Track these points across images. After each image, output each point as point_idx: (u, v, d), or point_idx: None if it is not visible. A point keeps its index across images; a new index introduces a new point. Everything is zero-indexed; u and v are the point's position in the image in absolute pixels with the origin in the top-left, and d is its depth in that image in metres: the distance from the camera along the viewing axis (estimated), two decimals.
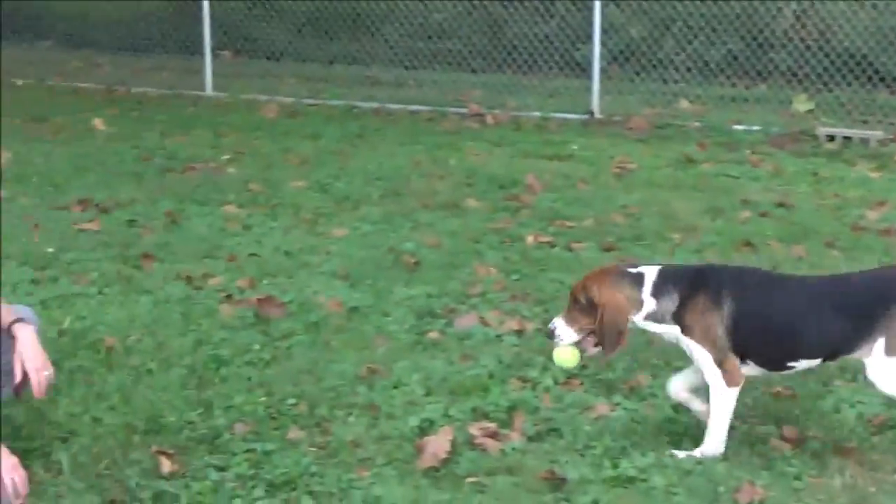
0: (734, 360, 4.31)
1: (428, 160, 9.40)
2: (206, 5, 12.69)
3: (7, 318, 4.40)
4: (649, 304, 4.33)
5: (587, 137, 10.51)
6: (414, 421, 4.76)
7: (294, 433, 4.72)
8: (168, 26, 13.81)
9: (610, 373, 5.19)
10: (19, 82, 13.46)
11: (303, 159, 9.48)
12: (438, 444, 4.58)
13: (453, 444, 4.58)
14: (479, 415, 4.87)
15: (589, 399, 4.95)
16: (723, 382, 4.31)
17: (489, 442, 4.63)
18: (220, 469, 4.41)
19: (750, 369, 4.39)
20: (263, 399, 5.00)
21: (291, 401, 4.99)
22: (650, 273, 4.37)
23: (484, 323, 5.88)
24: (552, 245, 7.21)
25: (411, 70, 12.56)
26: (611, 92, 11.79)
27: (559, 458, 4.47)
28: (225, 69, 13.04)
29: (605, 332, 4.32)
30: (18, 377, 4.25)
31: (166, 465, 4.38)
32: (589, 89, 11.47)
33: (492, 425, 4.75)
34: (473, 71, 12.42)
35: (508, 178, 8.74)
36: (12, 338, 4.36)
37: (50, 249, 7.02)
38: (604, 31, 11.42)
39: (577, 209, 7.97)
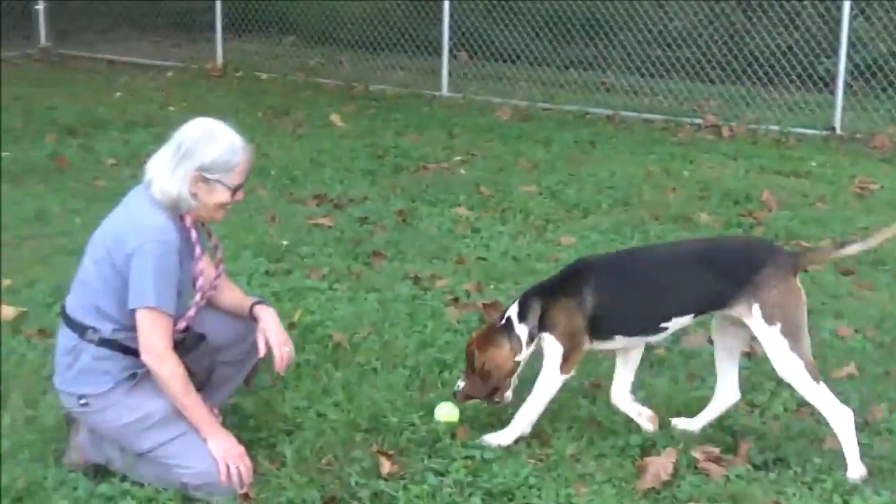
0: (582, 348, 4.59)
1: (660, 170, 9.26)
2: (446, 6, 12.77)
3: (246, 302, 4.57)
4: (522, 332, 4.62)
5: (827, 154, 10.17)
6: (636, 440, 4.70)
7: (513, 443, 4.71)
8: (407, 26, 13.97)
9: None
10: (263, 76, 13.84)
11: (534, 164, 9.46)
12: (661, 465, 4.50)
13: (676, 466, 4.50)
14: (703, 438, 4.77)
15: (820, 430, 4.76)
16: (559, 370, 4.58)
17: (713, 467, 4.53)
18: (439, 474, 4.43)
19: (618, 342, 4.66)
20: (484, 406, 5.00)
21: (512, 410, 4.98)
22: (513, 309, 4.65)
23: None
24: None
25: (647, 77, 12.39)
26: (854, 108, 11.40)
27: (786, 489, 4.34)
28: (460, 70, 13.13)
29: (485, 389, 4.72)
30: (262, 352, 4.45)
31: (386, 466, 4.43)
32: (831, 104, 11.10)
33: (716, 450, 4.64)
34: (710, 81, 12.16)
35: (743, 192, 8.53)
36: (254, 319, 4.53)
37: (285, 242, 7.19)
38: (850, 45, 11.04)
39: (814, 229, 7.72)
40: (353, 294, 6.38)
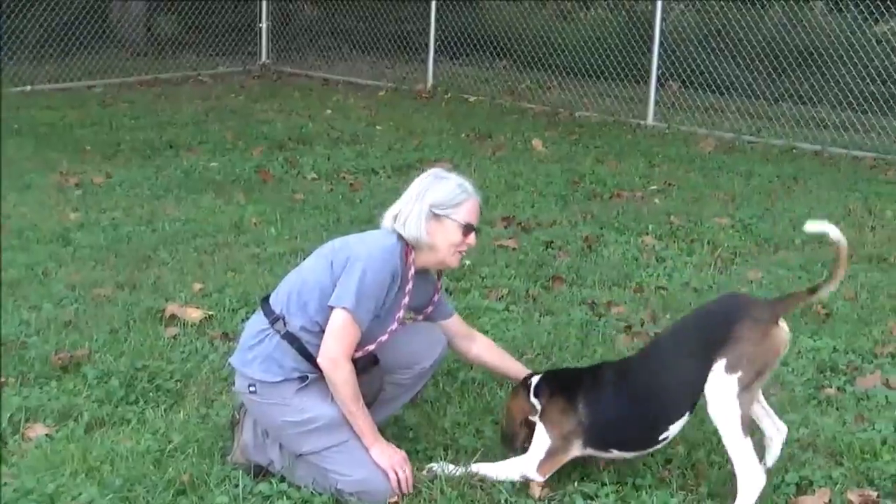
0: (568, 456, 4.46)
1: (862, 209, 8.99)
2: (657, 35, 12.68)
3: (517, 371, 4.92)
4: (536, 404, 4.57)
5: None
6: (792, 477, 4.61)
7: (666, 472, 4.67)
8: (618, 53, 13.95)
9: None
10: (471, 99, 14.01)
11: (731, 196, 9.31)
12: None
13: None
14: (863, 480, 4.65)
15: None
16: (534, 467, 4.46)
17: None
18: (588, 497, 4.45)
19: (613, 455, 4.54)
20: None
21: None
22: (535, 380, 4.64)
23: (888, 385, 5.58)
24: None
25: (859, 114, 12.04)
26: None
27: None
28: (668, 100, 13.03)
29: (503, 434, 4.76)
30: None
31: (536, 488, 4.45)
32: None
33: (873, 494, 4.52)
34: None
35: None
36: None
37: (468, 262, 7.26)
38: None
39: None
40: (527, 316, 6.42)
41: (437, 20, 14.88)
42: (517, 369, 4.89)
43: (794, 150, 11.34)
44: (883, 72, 12.39)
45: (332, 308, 4.34)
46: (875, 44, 12.56)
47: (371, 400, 4.52)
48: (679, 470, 4.69)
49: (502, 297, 6.71)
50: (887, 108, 11.87)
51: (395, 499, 4.39)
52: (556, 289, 6.91)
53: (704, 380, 4.24)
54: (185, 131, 11.48)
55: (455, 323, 4.86)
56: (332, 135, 11.46)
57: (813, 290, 4.35)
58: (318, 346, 4.37)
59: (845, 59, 12.61)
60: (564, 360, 5.74)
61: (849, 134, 11.72)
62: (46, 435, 4.87)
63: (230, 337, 5.94)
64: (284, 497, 4.40)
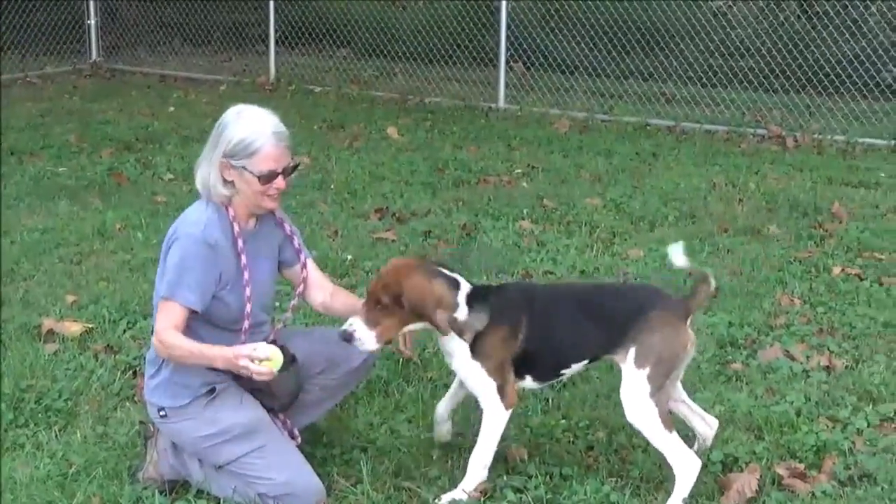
0: (513, 383, 4.29)
1: (726, 182, 9.10)
2: (503, 15, 12.64)
3: None
4: (461, 311, 4.19)
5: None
6: (717, 455, 4.59)
7: (591, 459, 4.61)
8: (462, 37, 13.88)
9: None
10: (316, 89, 13.79)
11: (596, 176, 9.33)
12: (745, 481, 4.41)
13: (760, 483, 4.39)
14: (785, 453, 4.66)
15: None
16: (501, 406, 4.27)
17: (798, 484, 4.43)
18: (518, 491, 4.37)
19: (527, 383, 4.37)
20: (562, 422, 4.91)
21: (587, 425, 4.88)
22: (465, 283, 4.25)
23: (789, 357, 5.63)
24: (861, 278, 6.83)
25: (708, 88, 12.20)
26: None
27: None
28: (517, 81, 13.01)
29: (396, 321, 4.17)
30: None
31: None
32: None
33: (800, 466, 4.53)
34: (773, 91, 11.96)
35: (811, 204, 8.36)
36: None
37: (349, 257, 7.11)
38: None
39: (888, 241, 7.54)
40: None
41: (275, 9, 14.59)
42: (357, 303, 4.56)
43: (647, 127, 11.44)
44: (721, 46, 12.59)
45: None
46: (711, 17, 12.76)
47: (287, 401, 4.32)
48: (604, 456, 4.63)
49: None
50: (735, 82, 12.06)
51: (322, 497, 4.23)
52: None
53: (609, 342, 4.24)
54: (23, 136, 10.98)
55: (313, 270, 4.59)
56: (181, 133, 11.13)
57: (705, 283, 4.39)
58: (207, 338, 4.19)
59: (683, 34, 12.80)
60: None
61: (700, 108, 11.87)
62: None
63: (115, 349, 5.68)
64: None
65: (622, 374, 4.20)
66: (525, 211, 8.22)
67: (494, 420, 4.27)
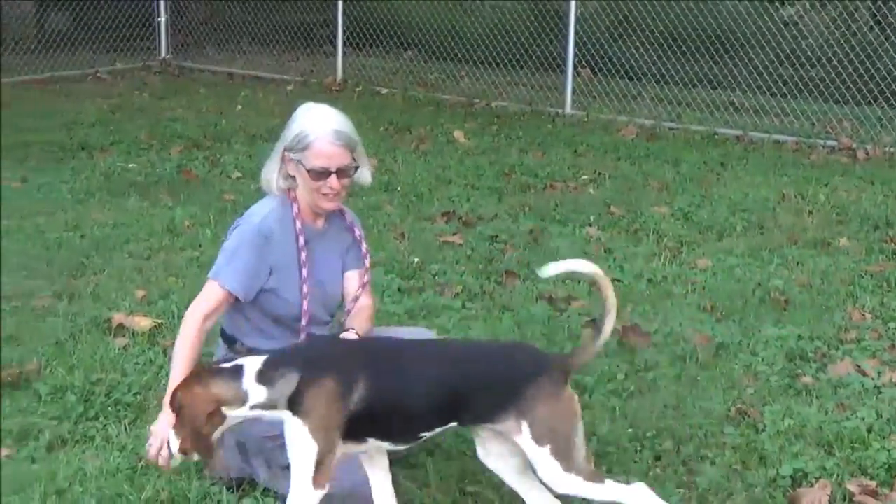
0: (334, 456, 3.70)
1: (795, 193, 9.00)
2: (572, 21, 12.60)
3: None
4: (256, 392, 3.64)
5: None
6: (786, 470, 4.55)
7: (658, 470, 4.58)
8: (530, 41, 13.85)
9: None
10: (383, 91, 13.82)
11: (663, 184, 9.27)
12: (815, 497, 4.37)
13: (830, 499, 4.35)
14: (856, 469, 4.60)
15: None
16: (310, 483, 3.65)
17: (870, 501, 4.39)
18: (584, 500, 4.31)
19: (369, 445, 3.85)
20: (629, 431, 4.89)
21: (655, 435, 4.85)
22: (252, 363, 3.67)
23: (861, 372, 5.56)
24: None
25: (777, 98, 12.08)
26: None
27: None
28: (584, 87, 12.96)
29: (187, 433, 3.65)
30: None
31: None
32: None
33: (871, 483, 4.48)
34: (844, 102, 11.80)
35: (883, 218, 8.25)
36: None
37: (416, 259, 7.11)
38: None
39: None
40: (486, 314, 6.28)
41: (343, 11, 14.64)
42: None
43: (715, 136, 11.33)
44: (791, 55, 12.46)
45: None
46: (782, 26, 12.65)
47: None
48: (671, 467, 4.61)
49: (457, 294, 6.56)
50: (805, 92, 11.93)
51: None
52: (509, 284, 6.78)
53: (483, 412, 3.76)
54: (94, 131, 11.11)
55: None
56: (248, 132, 11.19)
57: (595, 335, 3.84)
58: (268, 332, 4.26)
59: (754, 42, 12.69)
60: None
61: (769, 118, 11.77)
62: (7, 456, 4.63)
63: None
64: None
65: (525, 452, 3.76)
66: (592, 217, 8.18)
67: (299, 500, 3.69)
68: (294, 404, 3.64)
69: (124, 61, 15.79)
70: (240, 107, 12.75)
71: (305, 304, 4.28)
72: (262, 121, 11.68)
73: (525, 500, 4.02)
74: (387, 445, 3.87)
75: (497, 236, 7.72)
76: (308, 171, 4.17)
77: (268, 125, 11.27)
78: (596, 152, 10.51)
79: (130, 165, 9.68)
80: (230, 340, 4.37)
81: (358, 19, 15.09)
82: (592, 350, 3.89)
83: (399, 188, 8.99)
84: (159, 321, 6.03)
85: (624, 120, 11.94)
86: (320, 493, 3.66)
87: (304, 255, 4.26)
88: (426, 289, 6.64)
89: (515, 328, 6.03)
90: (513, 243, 7.59)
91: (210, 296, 4.20)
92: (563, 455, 3.73)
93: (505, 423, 3.76)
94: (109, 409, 5.06)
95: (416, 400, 3.76)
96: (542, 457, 3.73)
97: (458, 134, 11.14)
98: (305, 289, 4.27)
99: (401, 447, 3.91)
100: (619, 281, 6.83)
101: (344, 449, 3.74)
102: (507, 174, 9.54)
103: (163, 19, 16.18)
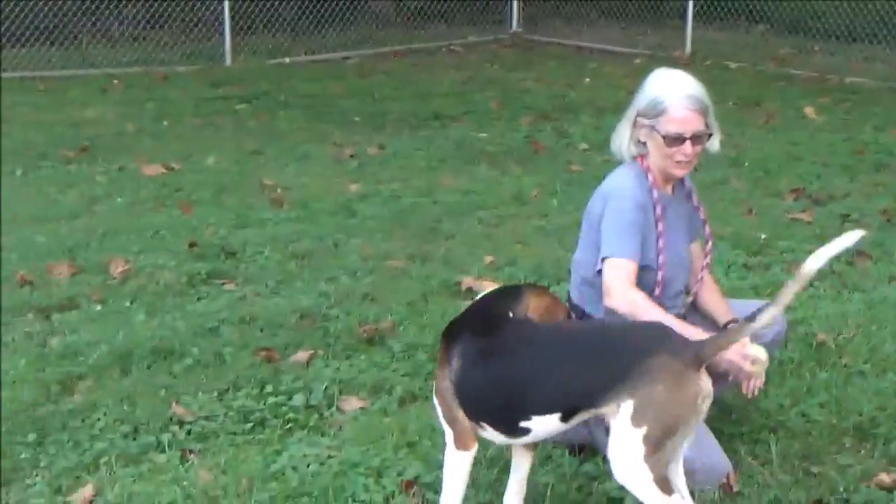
0: (464, 421, 3.63)
1: None
2: None
3: (726, 318, 4.42)
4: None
5: None
6: None
7: None
8: (890, 14, 13.30)
9: None
10: (732, 65, 13.60)
11: None
12: None
13: None
14: None
15: None
16: (452, 443, 3.69)
17: None
18: None
19: (489, 434, 3.66)
20: None
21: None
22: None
23: None
24: None
25: None
26: None
27: None
28: None
29: None
30: (731, 379, 4.14)
31: (882, 476, 4.22)
32: None
33: None
34: None
35: None
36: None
37: (763, 236, 7.02)
38: None
39: None
40: (836, 293, 6.14)
41: None
42: (724, 311, 4.42)
43: None
44: None
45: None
46: None
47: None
48: None
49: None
50: None
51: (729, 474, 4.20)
52: (861, 265, 6.59)
53: (588, 395, 3.44)
54: (447, 101, 11.49)
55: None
56: (596, 104, 11.29)
57: (750, 319, 3.40)
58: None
59: None
60: (885, 341, 5.44)
61: None
62: (361, 408, 4.87)
63: None
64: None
65: (612, 430, 3.42)
66: None
67: (448, 461, 3.75)
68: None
69: (476, 34, 16.21)
70: (588, 79, 12.86)
71: (661, 275, 4.27)
72: (610, 94, 11.75)
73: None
74: (497, 436, 3.69)
75: (849, 215, 7.52)
76: (663, 137, 4.15)
77: (615, 98, 11.30)
78: None
79: (481, 135, 9.96)
80: (580, 313, 4.42)
81: None
82: (731, 338, 3.55)
83: (747, 163, 8.88)
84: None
85: None
86: (465, 455, 3.71)
87: (661, 225, 4.25)
88: (773, 266, 6.55)
89: (866, 309, 5.86)
90: (865, 223, 7.36)
91: (624, 272, 4.08)
92: (654, 443, 3.34)
93: (607, 406, 3.42)
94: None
95: (507, 381, 3.56)
96: (628, 436, 3.36)
97: (808, 110, 10.87)
98: (661, 260, 4.26)
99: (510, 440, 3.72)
100: None
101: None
102: (860, 152, 9.24)
103: None
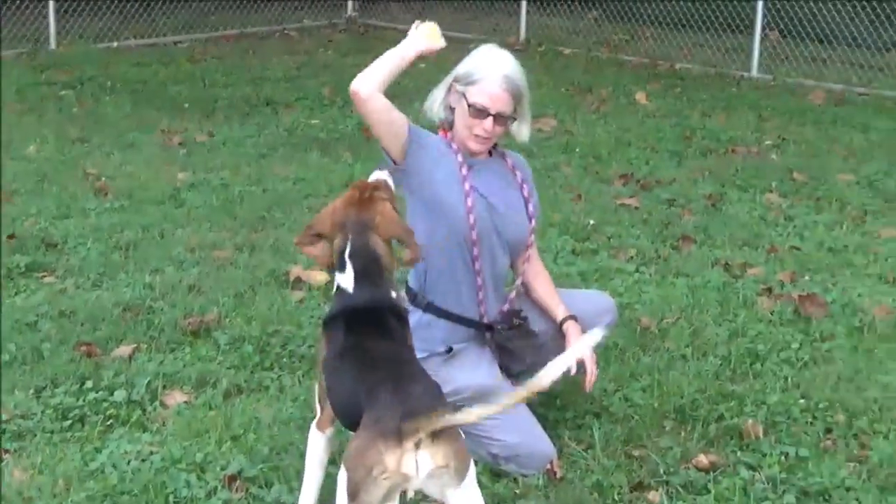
0: (326, 403, 3.65)
1: None
2: None
3: (558, 311, 4.43)
4: (347, 277, 3.70)
5: None
6: None
7: (828, 442, 4.49)
8: (717, 2, 13.58)
9: None
10: (566, 51, 13.73)
11: (850, 151, 9.03)
12: None
13: None
14: None
15: None
16: (315, 421, 3.77)
17: None
18: (751, 468, 4.27)
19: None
20: (800, 401, 4.79)
21: (827, 407, 4.74)
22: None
23: None
24: None
25: None
26: None
27: None
28: (770, 50, 12.65)
29: None
30: (573, 370, 4.13)
31: (699, 457, 4.29)
32: None
33: None
34: None
35: None
36: (562, 332, 4.39)
37: (591, 221, 7.09)
38: None
39: None
40: (660, 278, 6.24)
41: None
42: (554, 303, 4.44)
43: None
44: None
45: None
46: None
47: (529, 365, 4.22)
48: (843, 439, 4.51)
49: (631, 258, 6.52)
50: None
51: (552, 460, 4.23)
52: (685, 249, 6.71)
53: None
54: (280, 87, 11.35)
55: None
56: (429, 89, 11.21)
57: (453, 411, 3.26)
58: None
59: None
60: (706, 324, 5.55)
61: None
62: (185, 402, 4.78)
63: None
64: None
65: None
66: (773, 184, 8.02)
67: (309, 438, 3.80)
68: None
69: (311, 18, 16.04)
70: (423, 65, 12.79)
71: (472, 218, 4.22)
72: (442, 78, 11.70)
73: None
74: None
75: (675, 200, 7.64)
76: (468, 106, 4.19)
77: None
78: (781, 117, 10.29)
79: (313, 122, 9.86)
80: (412, 294, 4.38)
81: None
82: (434, 424, 3.13)
83: (578, 149, 8.96)
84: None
85: (812, 84, 11.65)
86: (320, 436, 3.75)
87: (467, 185, 4.23)
88: (600, 251, 6.62)
89: (689, 293, 5.97)
90: (691, 208, 7.50)
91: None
92: (350, 490, 3.13)
93: None
94: (284, 360, 5.18)
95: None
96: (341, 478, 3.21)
97: (639, 96, 11.03)
98: (472, 219, 4.22)
99: None
100: (797, 249, 6.70)
101: None
102: (689, 137, 9.42)
103: None
